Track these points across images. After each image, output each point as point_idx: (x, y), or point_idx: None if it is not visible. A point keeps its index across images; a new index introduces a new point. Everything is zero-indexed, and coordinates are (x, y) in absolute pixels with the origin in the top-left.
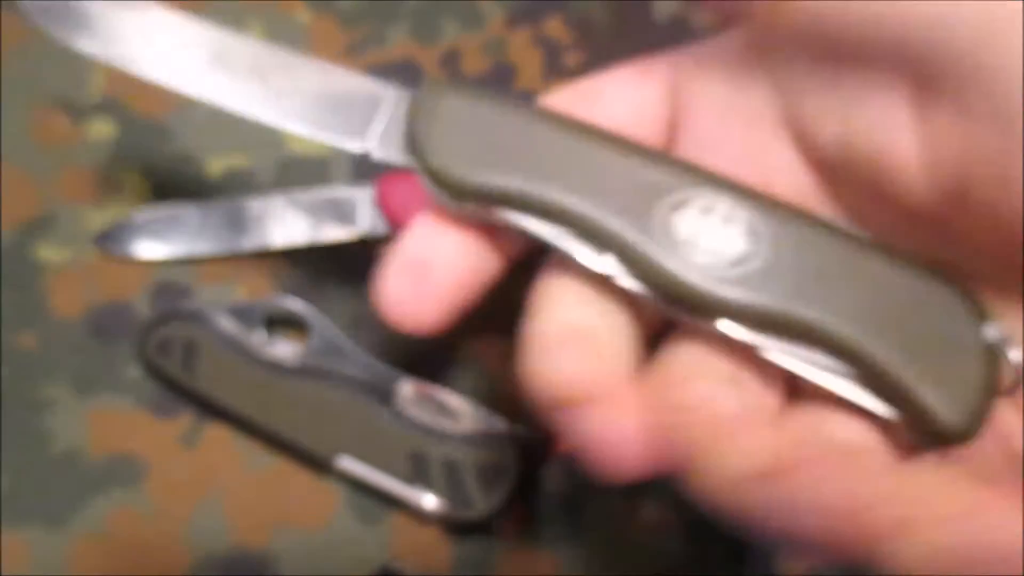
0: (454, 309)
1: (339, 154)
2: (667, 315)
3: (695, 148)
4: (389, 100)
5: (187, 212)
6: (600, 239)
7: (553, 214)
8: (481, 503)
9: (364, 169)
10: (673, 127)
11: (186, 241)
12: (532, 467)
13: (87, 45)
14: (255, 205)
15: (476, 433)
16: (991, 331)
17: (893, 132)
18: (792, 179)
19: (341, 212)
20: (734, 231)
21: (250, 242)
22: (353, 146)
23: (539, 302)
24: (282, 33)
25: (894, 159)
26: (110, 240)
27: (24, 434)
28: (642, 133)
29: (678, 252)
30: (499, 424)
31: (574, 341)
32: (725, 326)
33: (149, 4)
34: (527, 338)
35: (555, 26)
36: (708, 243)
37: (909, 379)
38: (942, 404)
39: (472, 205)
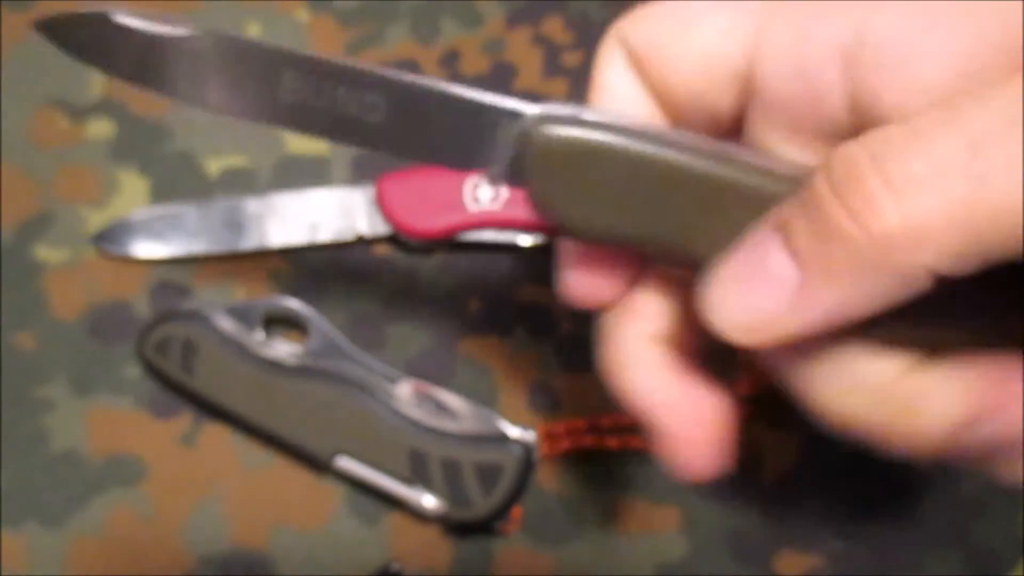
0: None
1: (339, 154)
2: None
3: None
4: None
5: (186, 212)
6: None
7: (661, 246)
8: (480, 503)
9: (364, 169)
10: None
11: (185, 241)
12: (531, 467)
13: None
14: (254, 205)
15: (476, 433)
16: None
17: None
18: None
19: (341, 212)
20: None
21: (249, 242)
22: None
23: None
24: (281, 33)
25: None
26: (109, 240)
27: (23, 434)
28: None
29: None
30: (499, 424)
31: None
32: None
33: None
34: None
35: (555, 26)
36: None
37: None
38: None
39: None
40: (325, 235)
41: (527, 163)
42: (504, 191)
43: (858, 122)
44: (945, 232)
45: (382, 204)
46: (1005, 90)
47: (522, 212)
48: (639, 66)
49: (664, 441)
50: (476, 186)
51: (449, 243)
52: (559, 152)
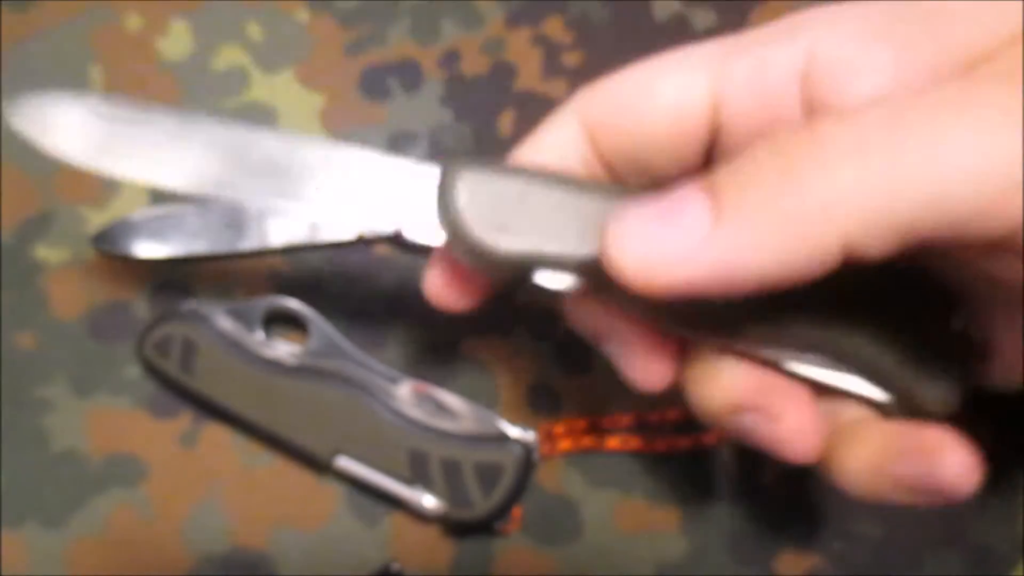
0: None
1: None
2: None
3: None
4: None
5: (186, 212)
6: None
7: (571, 267)
8: (480, 503)
9: None
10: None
11: (185, 241)
12: (531, 467)
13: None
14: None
15: (476, 433)
16: (960, 318)
17: None
18: None
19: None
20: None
21: (249, 242)
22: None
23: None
24: (281, 33)
25: None
26: (108, 240)
27: (23, 434)
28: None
29: None
30: (499, 424)
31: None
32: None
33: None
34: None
35: (555, 26)
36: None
37: (901, 371)
38: (926, 390)
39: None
40: (325, 235)
41: (446, 205)
42: None
43: None
44: (862, 204)
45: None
46: (937, 86)
47: None
48: (594, 137)
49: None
50: None
51: None
52: (467, 190)
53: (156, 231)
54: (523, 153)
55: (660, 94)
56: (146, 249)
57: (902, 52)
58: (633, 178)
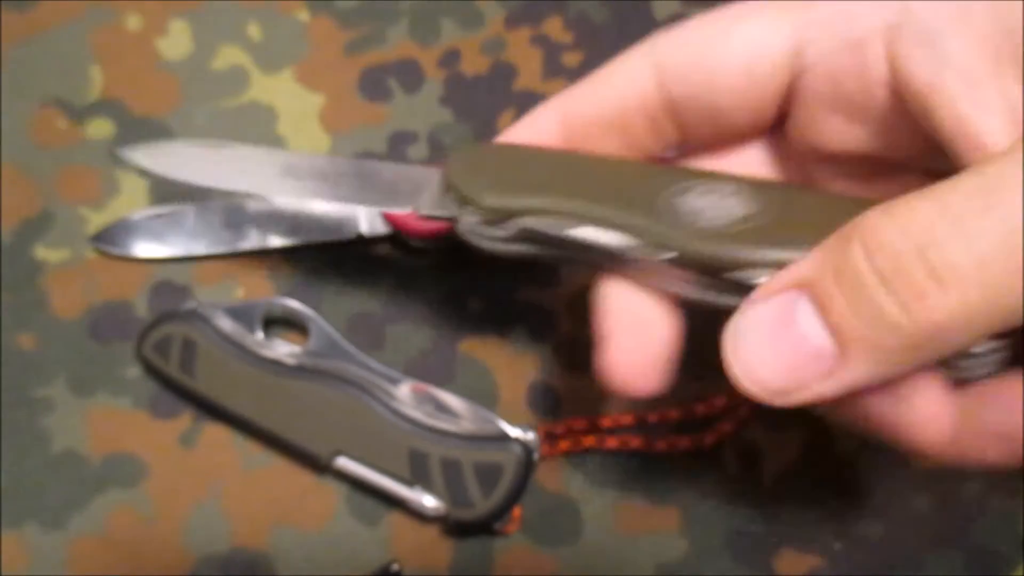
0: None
1: (339, 154)
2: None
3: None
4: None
5: (185, 212)
6: (618, 228)
7: (576, 217)
8: (480, 503)
9: None
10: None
11: (184, 241)
12: (531, 467)
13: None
14: (254, 205)
15: (476, 433)
16: None
17: None
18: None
19: (341, 212)
20: (730, 202)
21: (249, 242)
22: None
23: None
24: (281, 33)
25: None
26: (108, 240)
27: (23, 434)
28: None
29: (681, 222)
30: (499, 424)
31: None
32: (742, 276)
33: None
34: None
35: (555, 26)
36: (710, 214)
37: None
38: None
39: (506, 232)
40: (325, 235)
41: (454, 176)
42: None
43: (895, 100)
44: (987, 317)
45: None
46: None
47: None
48: (664, 80)
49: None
50: None
51: (449, 243)
52: (476, 160)
53: (156, 231)
54: (591, 86)
55: (740, 38)
56: (146, 249)
57: (984, 23)
58: (698, 126)
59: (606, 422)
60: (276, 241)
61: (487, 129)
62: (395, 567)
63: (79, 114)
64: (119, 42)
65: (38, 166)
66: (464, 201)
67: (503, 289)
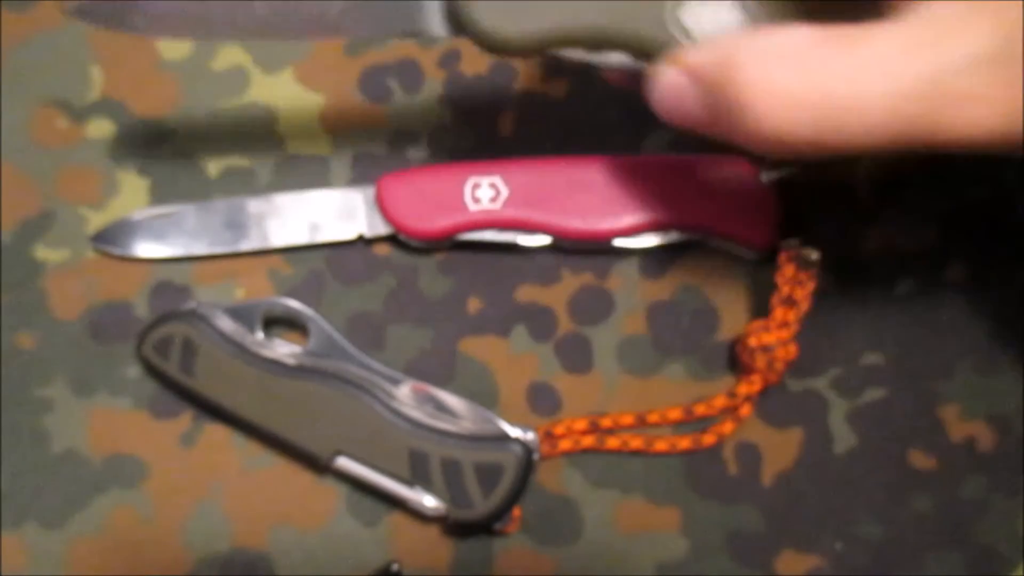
0: None
1: (339, 153)
2: None
3: None
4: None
5: (186, 211)
6: (628, 46)
7: (585, 38)
8: (481, 503)
9: (365, 168)
10: None
11: (185, 241)
12: (532, 467)
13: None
14: (255, 205)
15: (476, 433)
16: None
17: None
18: None
19: (341, 212)
20: (725, 9)
21: (249, 242)
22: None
23: None
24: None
25: None
26: (108, 240)
27: (23, 434)
28: None
29: (691, 36)
30: (499, 424)
31: None
32: None
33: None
34: None
35: None
36: (710, 20)
37: None
38: None
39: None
40: (325, 235)
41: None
42: (504, 191)
43: None
44: None
45: (382, 204)
46: None
47: (522, 212)
48: None
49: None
50: (476, 186)
51: (449, 243)
52: None
53: (156, 231)
54: None
55: None
56: (147, 249)
57: None
58: None
59: (606, 422)
60: (277, 241)
61: (487, 129)
62: (395, 567)
63: (79, 114)
64: (119, 42)
65: (38, 166)
66: (484, 32)
67: (503, 289)
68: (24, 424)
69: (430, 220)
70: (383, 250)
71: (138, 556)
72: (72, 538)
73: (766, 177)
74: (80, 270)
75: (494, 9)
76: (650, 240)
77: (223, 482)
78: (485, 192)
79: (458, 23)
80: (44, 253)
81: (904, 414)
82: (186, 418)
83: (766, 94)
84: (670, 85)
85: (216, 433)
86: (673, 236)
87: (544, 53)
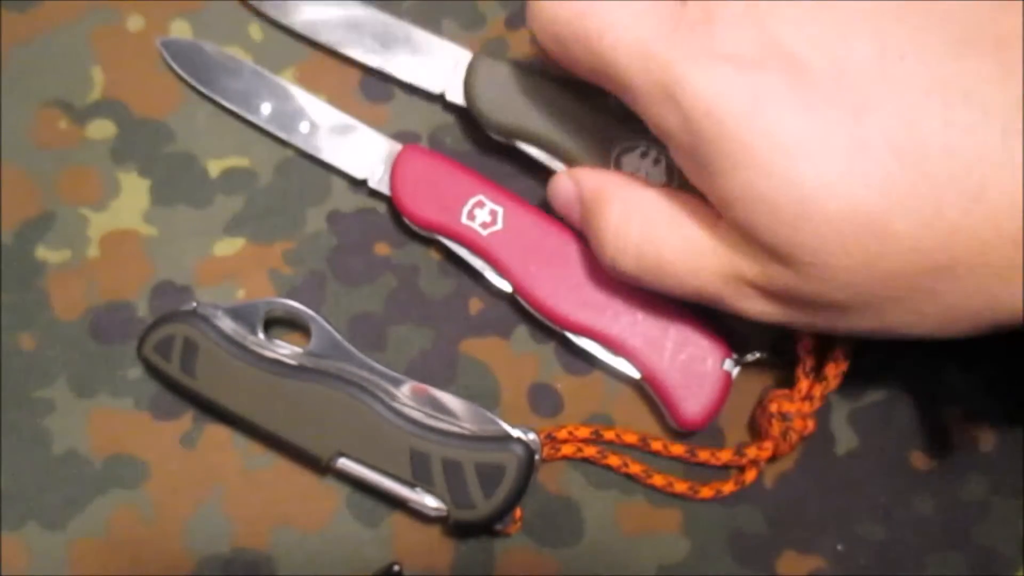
0: None
1: None
2: None
3: None
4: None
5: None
6: (572, 163)
7: (548, 146)
8: (481, 504)
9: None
10: None
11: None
12: (533, 467)
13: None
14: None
15: (477, 434)
16: None
17: None
18: None
19: (368, 150)
20: (659, 168)
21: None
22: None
23: None
24: (282, 33)
25: None
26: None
27: (24, 435)
28: None
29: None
30: (500, 425)
31: None
32: None
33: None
34: None
35: None
36: (641, 168)
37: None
38: None
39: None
40: (343, 157)
41: (469, 86)
42: (499, 223)
43: None
44: None
45: (394, 169)
46: None
47: (501, 253)
48: None
49: None
50: (479, 204)
51: (428, 235)
52: (484, 77)
53: None
54: None
55: None
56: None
57: None
58: None
59: (609, 435)
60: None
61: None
62: (396, 568)
63: (80, 114)
64: (120, 42)
65: (39, 166)
66: (478, 113)
67: (502, 290)
68: (25, 425)
69: (422, 207)
70: (383, 250)
71: (139, 557)
72: (73, 539)
73: (731, 365)
74: (81, 271)
75: (491, 100)
76: (595, 350)
77: (224, 483)
78: (482, 214)
79: (467, 99)
80: (45, 253)
81: (905, 415)
82: (187, 419)
83: (612, 230)
84: (564, 189)
85: (217, 434)
86: (617, 362)
87: (513, 142)
